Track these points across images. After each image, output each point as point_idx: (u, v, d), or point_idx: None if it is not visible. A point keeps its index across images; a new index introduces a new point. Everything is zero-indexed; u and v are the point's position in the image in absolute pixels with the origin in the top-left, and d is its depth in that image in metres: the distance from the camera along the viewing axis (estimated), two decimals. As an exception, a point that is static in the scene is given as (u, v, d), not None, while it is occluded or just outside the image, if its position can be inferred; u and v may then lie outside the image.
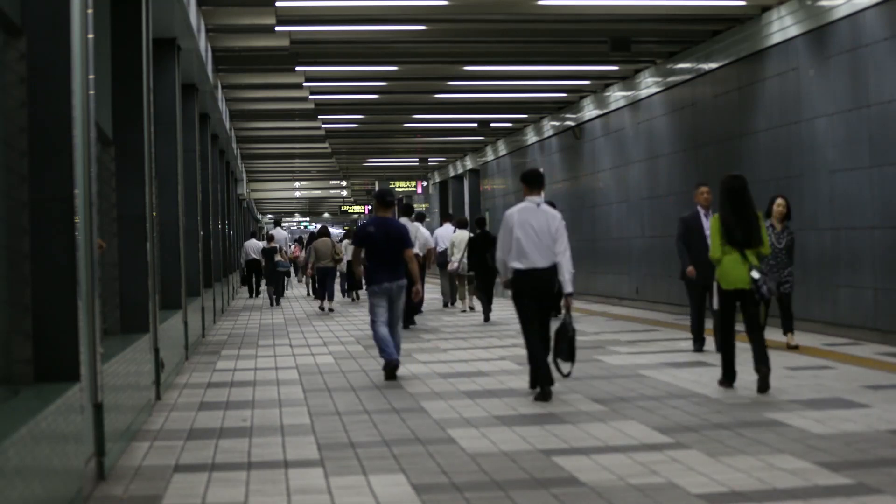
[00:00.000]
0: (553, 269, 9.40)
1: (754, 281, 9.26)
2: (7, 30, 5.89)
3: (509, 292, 9.72)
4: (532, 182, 9.64)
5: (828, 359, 11.35)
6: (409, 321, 17.27)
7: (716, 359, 11.72)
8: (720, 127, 16.92)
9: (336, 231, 61.40)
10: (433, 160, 39.50)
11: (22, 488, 4.53)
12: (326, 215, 75.41)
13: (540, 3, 14.54)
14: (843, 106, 13.43)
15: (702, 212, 12.32)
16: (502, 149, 31.65)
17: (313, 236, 28.08)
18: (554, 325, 9.50)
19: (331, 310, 22.79)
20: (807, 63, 14.22)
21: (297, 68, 18.54)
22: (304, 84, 20.25)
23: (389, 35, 16.68)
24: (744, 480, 6.01)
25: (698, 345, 12.40)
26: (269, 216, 79.53)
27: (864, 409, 8.23)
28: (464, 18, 15.63)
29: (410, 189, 44.38)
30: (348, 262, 24.26)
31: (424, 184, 44.98)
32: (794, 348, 12.09)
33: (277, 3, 14.07)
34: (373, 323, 11.09)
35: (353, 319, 19.99)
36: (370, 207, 68.05)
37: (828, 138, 13.80)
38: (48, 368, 5.99)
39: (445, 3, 14.46)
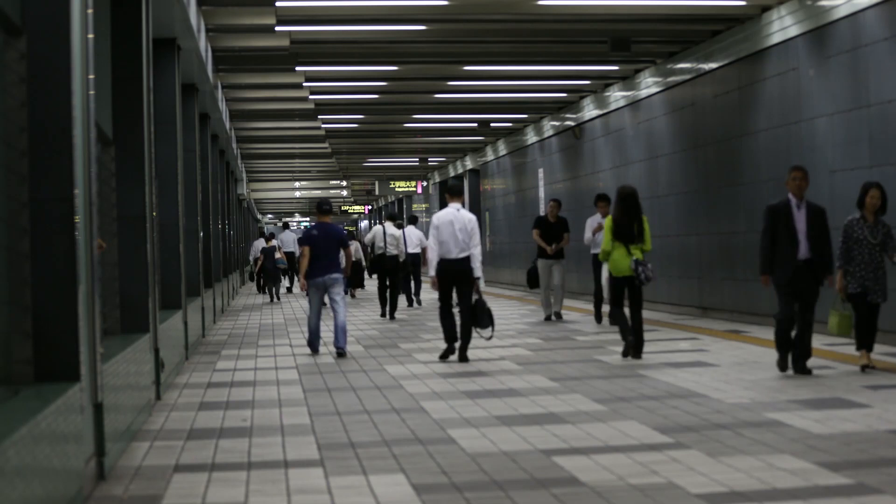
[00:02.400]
0: (466, 260, 12.09)
1: (634, 270, 11.78)
2: (7, 30, 5.89)
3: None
4: (453, 192, 12.53)
5: (828, 359, 11.34)
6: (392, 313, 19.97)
7: (717, 359, 11.74)
8: (720, 127, 16.92)
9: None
10: (433, 160, 39.49)
11: (22, 488, 4.53)
12: (326, 215, 75.32)
13: (540, 3, 14.54)
14: (843, 106, 13.44)
15: (793, 201, 10.30)
16: (502, 149, 31.65)
17: None
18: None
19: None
20: (807, 63, 14.22)
21: (297, 68, 18.54)
22: (304, 84, 20.25)
23: (389, 35, 16.67)
24: (744, 480, 6.01)
25: (785, 363, 10.31)
26: (270, 216, 79.57)
27: (864, 409, 8.23)
28: (464, 18, 15.63)
29: (410, 189, 44.34)
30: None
31: (424, 184, 44.96)
32: (869, 368, 10.20)
33: (277, 3, 14.06)
34: (309, 316, 13.73)
35: (353, 319, 19.98)
36: (370, 207, 68.20)
37: (828, 138, 13.80)
38: (48, 368, 5.99)
39: (445, 3, 14.46)
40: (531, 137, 28.17)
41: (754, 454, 6.67)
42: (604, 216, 16.55)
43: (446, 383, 10.46)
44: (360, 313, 21.71)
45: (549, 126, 26.46)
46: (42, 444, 4.96)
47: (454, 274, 12.15)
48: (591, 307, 18.29)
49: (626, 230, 11.89)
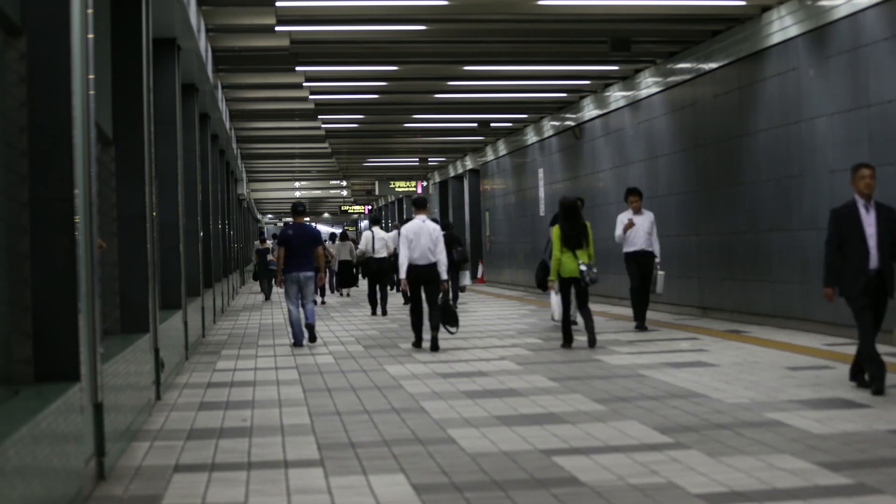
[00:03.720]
0: (433, 266, 13.56)
1: (580, 272, 13.16)
2: (7, 30, 5.89)
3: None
4: (419, 205, 14.09)
5: (828, 359, 11.34)
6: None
7: (717, 359, 11.75)
8: (720, 127, 16.92)
9: (326, 230, 61.94)
10: (433, 160, 39.48)
11: (22, 488, 4.53)
12: (326, 215, 75.45)
13: (540, 3, 14.53)
14: (843, 106, 13.43)
15: (860, 202, 8.98)
16: (502, 149, 31.65)
17: None
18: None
19: (323, 303, 25.75)
20: (807, 63, 14.22)
21: (297, 68, 18.53)
22: (304, 84, 20.24)
23: (389, 35, 16.67)
24: (744, 480, 6.01)
25: (859, 379, 9.23)
26: (270, 216, 79.56)
27: (864, 409, 8.23)
28: (464, 18, 15.62)
29: (410, 189, 44.32)
30: (340, 261, 27.49)
31: (424, 184, 44.95)
32: None
33: (277, 3, 14.06)
34: (288, 308, 14.79)
35: (352, 319, 19.99)
36: (370, 208, 68.18)
37: (828, 138, 13.80)
38: (48, 368, 5.98)
39: (445, 3, 14.46)
40: (531, 137, 28.16)
41: (754, 454, 6.68)
42: (636, 211, 15.60)
43: (446, 383, 10.46)
44: (359, 313, 21.71)
45: (549, 126, 26.45)
46: (42, 444, 4.96)
47: (423, 278, 13.61)
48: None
49: (572, 237, 13.27)
